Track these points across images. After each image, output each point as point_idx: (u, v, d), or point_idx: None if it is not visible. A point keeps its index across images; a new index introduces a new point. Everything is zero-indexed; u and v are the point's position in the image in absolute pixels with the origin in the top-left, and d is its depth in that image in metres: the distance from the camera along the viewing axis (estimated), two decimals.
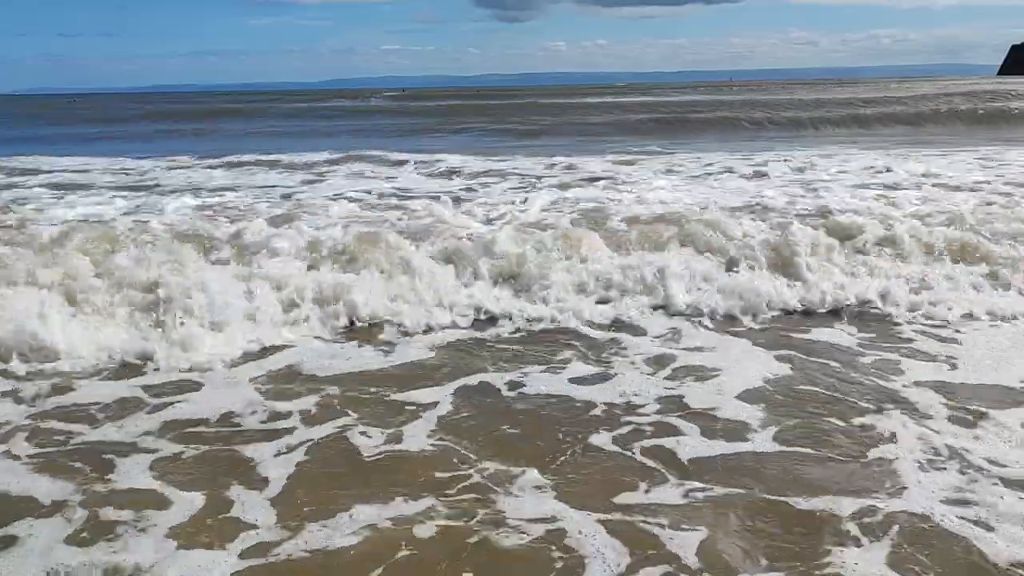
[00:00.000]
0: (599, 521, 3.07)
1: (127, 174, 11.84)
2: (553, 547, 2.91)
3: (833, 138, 20.87)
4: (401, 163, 12.94)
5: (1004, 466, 3.45)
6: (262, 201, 8.80)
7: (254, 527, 3.05)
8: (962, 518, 3.03)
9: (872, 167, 12.29)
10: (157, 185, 10.38)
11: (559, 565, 2.81)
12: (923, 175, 11.24)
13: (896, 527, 2.98)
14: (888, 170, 11.79)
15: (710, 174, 11.90)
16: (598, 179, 11.21)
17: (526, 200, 8.88)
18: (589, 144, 18.31)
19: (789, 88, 58.17)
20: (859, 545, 2.87)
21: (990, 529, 2.96)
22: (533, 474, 3.45)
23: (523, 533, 3.00)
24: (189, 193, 9.55)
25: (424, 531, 3.02)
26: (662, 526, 3.02)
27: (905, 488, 3.27)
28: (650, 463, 3.55)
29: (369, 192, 9.42)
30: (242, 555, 2.88)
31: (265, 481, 3.42)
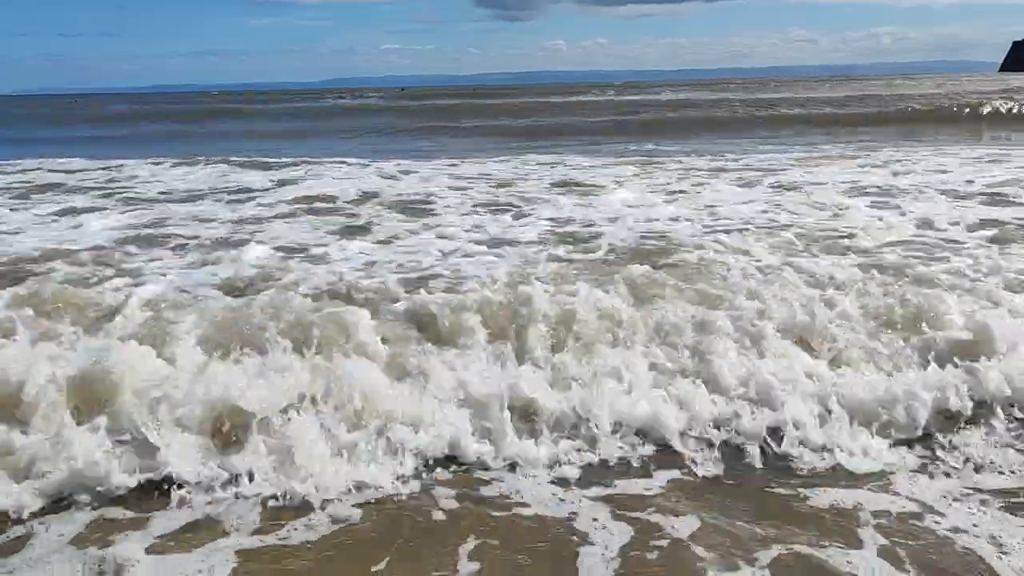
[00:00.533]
0: (600, 504, 3.07)
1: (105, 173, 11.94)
2: (553, 530, 2.91)
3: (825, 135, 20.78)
4: (365, 166, 12.80)
5: (1000, 465, 3.38)
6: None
7: (240, 525, 2.98)
8: (959, 517, 2.97)
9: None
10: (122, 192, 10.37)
11: (559, 547, 2.79)
12: None
13: (894, 524, 2.92)
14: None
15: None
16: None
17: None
18: (588, 146, 18.25)
19: (792, 86, 58.28)
20: (860, 544, 2.81)
21: (990, 529, 2.89)
22: (531, 457, 3.42)
23: (522, 516, 2.99)
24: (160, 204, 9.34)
25: (424, 508, 3.04)
26: (660, 513, 3.00)
27: (903, 485, 3.21)
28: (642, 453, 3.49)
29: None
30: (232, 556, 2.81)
31: (249, 476, 3.28)
